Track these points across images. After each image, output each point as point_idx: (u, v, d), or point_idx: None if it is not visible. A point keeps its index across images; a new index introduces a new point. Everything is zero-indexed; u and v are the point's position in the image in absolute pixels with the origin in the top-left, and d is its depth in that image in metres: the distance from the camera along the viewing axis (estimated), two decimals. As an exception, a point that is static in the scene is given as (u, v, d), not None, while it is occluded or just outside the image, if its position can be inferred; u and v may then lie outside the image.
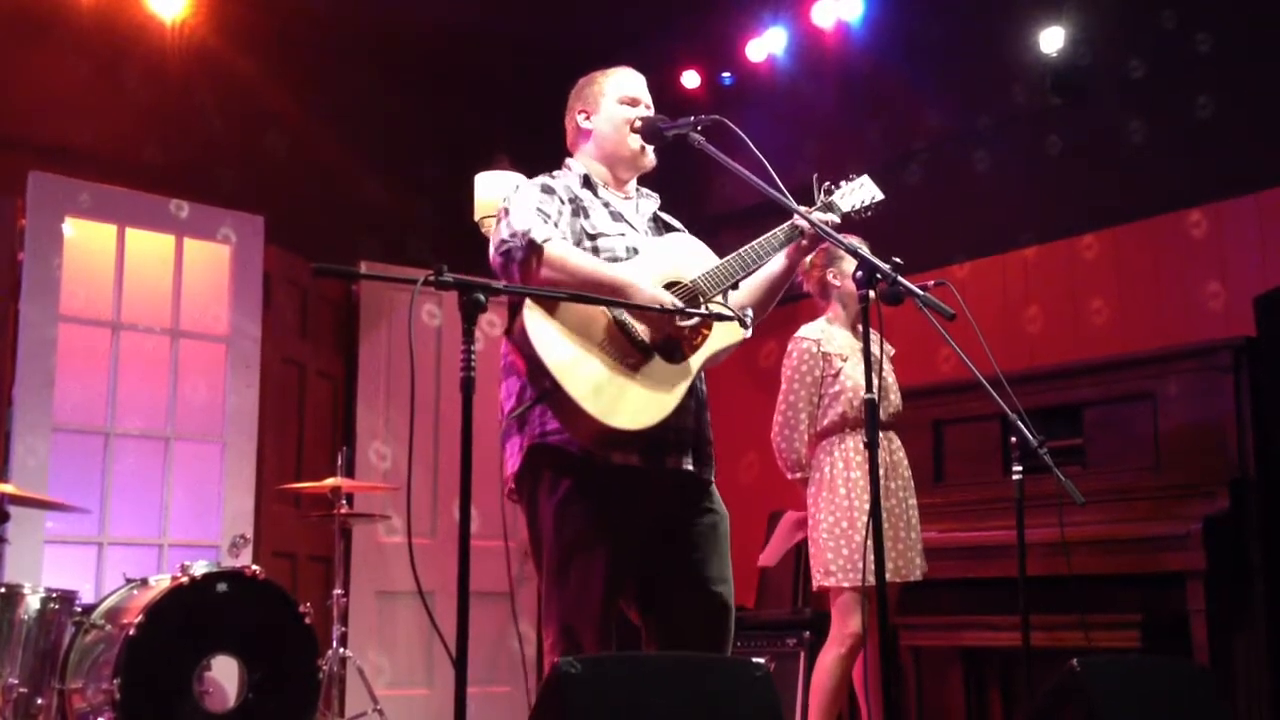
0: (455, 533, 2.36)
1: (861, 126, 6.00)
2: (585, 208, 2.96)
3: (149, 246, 5.58)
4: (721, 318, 2.80)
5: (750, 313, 2.89)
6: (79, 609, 4.21)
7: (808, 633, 5.03)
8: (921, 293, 2.76)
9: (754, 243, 2.96)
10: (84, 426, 5.32)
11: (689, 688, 2.33)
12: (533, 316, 2.71)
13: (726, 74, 6.48)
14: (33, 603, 4.05)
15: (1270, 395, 4.40)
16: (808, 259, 4.06)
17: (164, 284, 5.60)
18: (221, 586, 4.21)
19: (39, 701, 4.03)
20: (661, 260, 2.91)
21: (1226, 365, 4.47)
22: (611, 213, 3.00)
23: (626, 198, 3.10)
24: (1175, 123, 5.02)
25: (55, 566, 5.02)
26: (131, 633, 3.95)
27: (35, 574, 4.83)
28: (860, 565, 3.83)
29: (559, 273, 2.73)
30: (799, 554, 5.06)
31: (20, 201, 5.20)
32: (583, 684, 2.16)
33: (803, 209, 2.96)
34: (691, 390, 2.85)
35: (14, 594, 4.03)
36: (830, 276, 4.16)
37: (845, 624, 3.94)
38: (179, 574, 4.20)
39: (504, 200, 2.91)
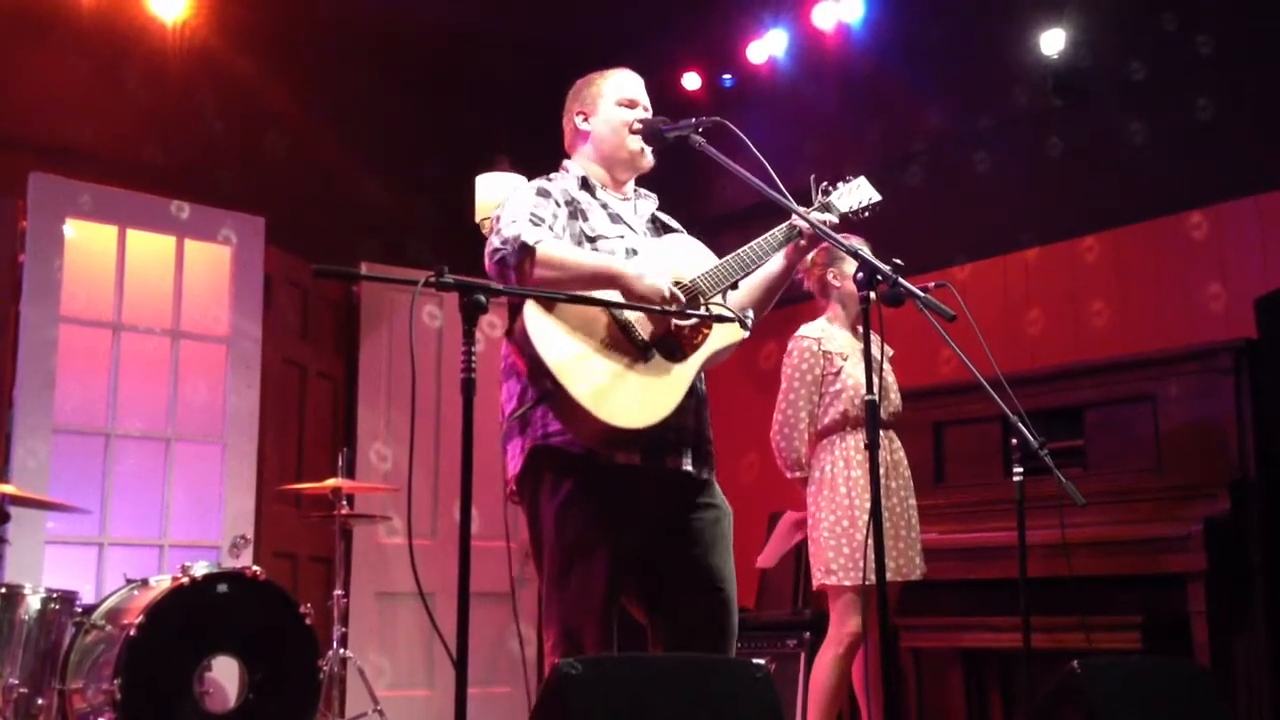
0: (456, 534, 2.36)
1: (862, 128, 6.00)
2: (583, 210, 2.96)
3: (150, 247, 5.58)
4: (722, 319, 2.81)
5: (750, 313, 2.89)
6: (79, 609, 4.21)
7: (808, 633, 5.02)
8: (922, 294, 2.76)
9: (752, 243, 2.96)
10: (85, 427, 5.32)
11: (689, 689, 2.33)
12: (533, 317, 2.71)
13: (727, 75, 6.49)
14: (33, 603, 4.05)
15: (1271, 397, 4.40)
16: (809, 257, 4.07)
17: (165, 285, 5.61)
18: (222, 587, 4.21)
19: (39, 702, 4.03)
20: (661, 261, 2.91)
21: (1227, 367, 4.48)
22: (610, 214, 3.00)
23: (625, 199, 3.10)
24: (1176, 124, 5.02)
25: (56, 567, 5.02)
26: (132, 633, 3.95)
27: (36, 574, 4.83)
28: (861, 564, 3.83)
29: (555, 271, 2.73)
30: (799, 555, 5.06)
31: (21, 203, 5.20)
32: (583, 685, 2.16)
33: (801, 209, 2.96)
34: (691, 389, 2.85)
35: (15, 594, 4.03)
36: (831, 277, 4.16)
37: (843, 624, 3.94)
38: (179, 574, 4.20)
39: (497, 208, 2.92)
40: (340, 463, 5.04)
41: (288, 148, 5.99)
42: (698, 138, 2.95)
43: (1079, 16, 5.25)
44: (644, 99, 3.11)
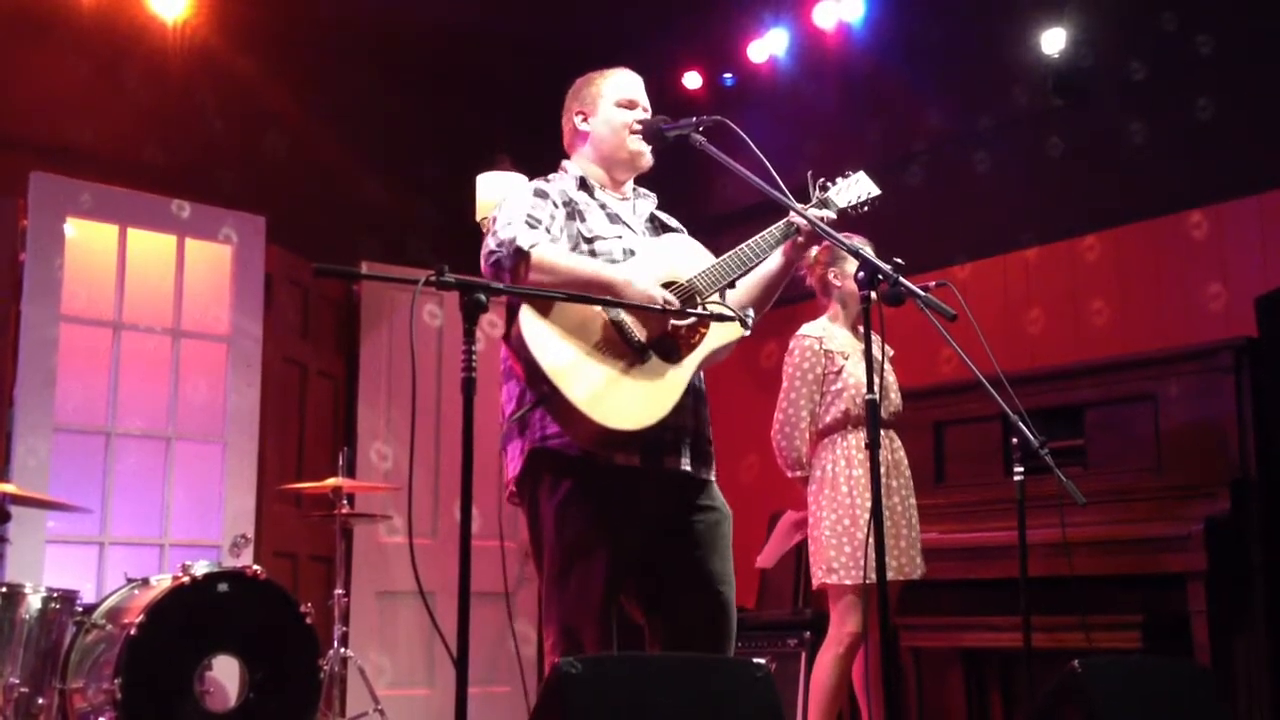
0: (456, 533, 2.36)
1: (863, 127, 6.00)
2: (581, 211, 2.96)
3: (150, 246, 5.58)
4: (723, 318, 2.81)
5: (750, 312, 2.89)
6: (80, 609, 4.21)
7: (808, 633, 5.02)
8: (923, 293, 2.76)
9: (749, 241, 2.96)
10: (85, 426, 5.32)
11: (690, 688, 2.33)
12: (528, 321, 2.72)
13: (728, 75, 6.49)
14: (34, 602, 4.05)
15: (1271, 396, 4.40)
16: (812, 255, 4.08)
17: (165, 284, 5.61)
18: (222, 586, 4.21)
19: (40, 701, 4.03)
20: (658, 261, 2.91)
21: (1227, 366, 4.47)
22: (608, 214, 3.00)
23: (624, 198, 3.10)
24: (1176, 124, 5.02)
25: (56, 566, 5.02)
26: (133, 632, 3.95)
27: (36, 574, 4.83)
28: (863, 563, 3.83)
29: (549, 276, 2.74)
30: (799, 554, 5.06)
31: (22, 202, 5.20)
32: (583, 684, 2.16)
33: (798, 206, 2.95)
34: (690, 389, 2.85)
35: (15, 594, 4.03)
36: (832, 276, 4.16)
37: (843, 623, 3.94)
38: (180, 574, 4.20)
39: (494, 210, 2.92)
40: (341, 462, 5.04)
41: (288, 147, 5.99)
42: (698, 137, 2.95)
43: (1079, 16, 5.25)
44: (643, 99, 3.11)
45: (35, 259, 5.17)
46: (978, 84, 5.68)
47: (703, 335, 2.85)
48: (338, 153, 6.15)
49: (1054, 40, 5.27)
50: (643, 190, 3.17)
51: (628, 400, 2.71)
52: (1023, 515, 3.50)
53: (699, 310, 2.81)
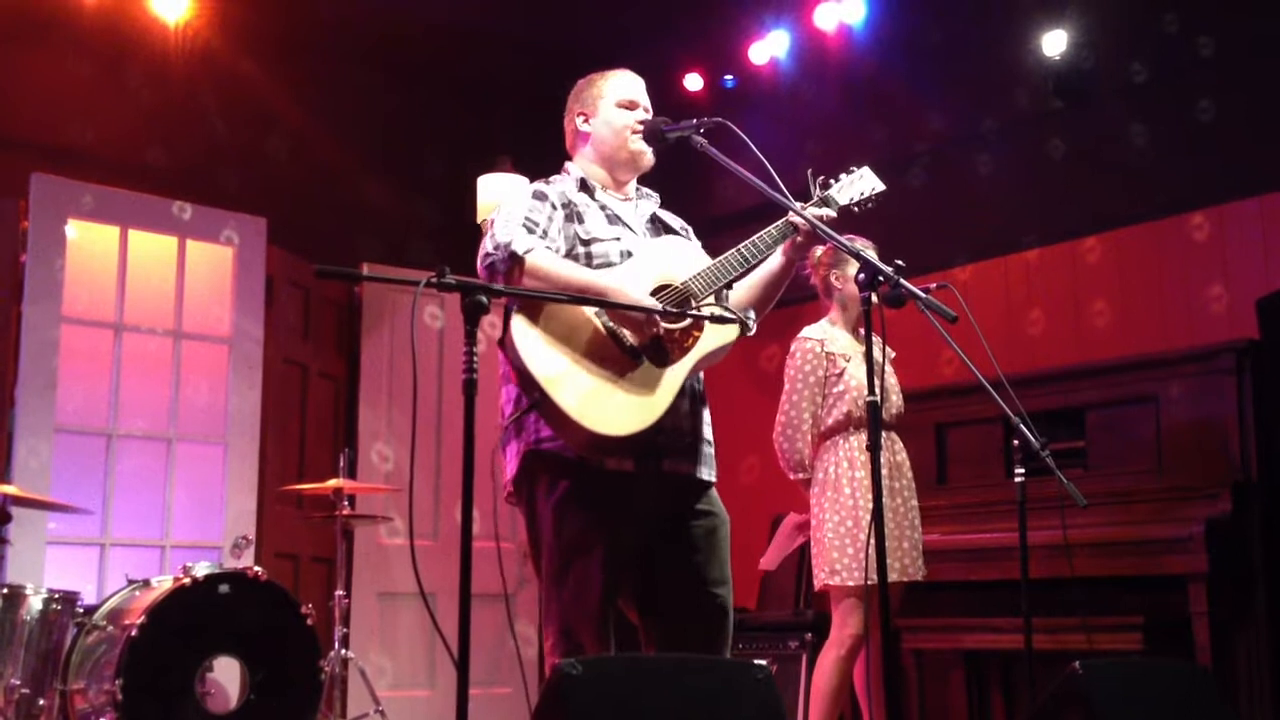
0: (457, 534, 2.36)
1: (864, 129, 6.00)
2: (580, 213, 2.96)
3: (152, 248, 5.58)
4: (723, 319, 2.80)
5: (752, 313, 2.89)
6: (81, 610, 4.21)
7: (809, 634, 5.02)
8: (924, 295, 2.75)
9: (746, 242, 2.94)
10: (86, 428, 5.32)
11: (691, 689, 2.33)
12: (519, 328, 2.73)
13: (729, 76, 6.49)
14: (35, 603, 4.05)
15: (1272, 398, 4.40)
16: (816, 255, 4.08)
17: (166, 285, 5.61)
18: (223, 587, 4.21)
19: (41, 702, 4.03)
20: (653, 263, 2.90)
21: (1229, 368, 4.48)
22: (608, 216, 3.00)
23: (626, 199, 3.10)
24: (1177, 126, 5.03)
25: (57, 567, 5.02)
26: (133, 633, 3.95)
27: (37, 575, 4.83)
28: (865, 564, 3.83)
29: (541, 282, 2.74)
30: (801, 556, 5.06)
31: (23, 203, 5.20)
32: (584, 685, 2.16)
33: (797, 205, 2.93)
34: (685, 392, 2.85)
35: (16, 595, 4.04)
36: (833, 278, 4.16)
37: (845, 625, 3.94)
38: (181, 575, 4.20)
39: (493, 214, 2.92)
40: (342, 463, 5.03)
41: (289, 148, 5.99)
42: (699, 138, 2.95)
43: (1081, 18, 5.25)
44: (644, 100, 3.11)
45: (36, 260, 5.17)
46: (979, 86, 5.69)
47: (696, 339, 2.85)
48: (339, 154, 6.15)
49: (1055, 42, 5.27)
50: (646, 190, 3.17)
51: (618, 406, 2.71)
52: (1024, 517, 3.50)
53: (695, 312, 2.80)
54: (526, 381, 2.71)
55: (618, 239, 2.95)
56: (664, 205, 3.18)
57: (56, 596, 4.11)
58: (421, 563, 2.48)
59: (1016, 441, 3.41)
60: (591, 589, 2.77)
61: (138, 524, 5.45)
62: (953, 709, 5.00)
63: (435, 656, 5.96)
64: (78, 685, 4.06)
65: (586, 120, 3.10)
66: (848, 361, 4.05)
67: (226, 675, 4.28)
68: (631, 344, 2.77)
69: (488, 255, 2.79)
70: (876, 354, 2.88)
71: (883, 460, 3.93)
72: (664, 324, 2.78)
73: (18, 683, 3.98)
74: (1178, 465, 4.52)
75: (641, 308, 2.72)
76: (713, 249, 3.03)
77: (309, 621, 4.34)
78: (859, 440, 3.99)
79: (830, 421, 4.05)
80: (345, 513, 5.01)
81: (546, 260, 2.78)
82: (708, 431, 2.99)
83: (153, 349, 5.55)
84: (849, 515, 3.93)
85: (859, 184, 3.11)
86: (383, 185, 6.28)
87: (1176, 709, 3.01)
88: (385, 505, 5.56)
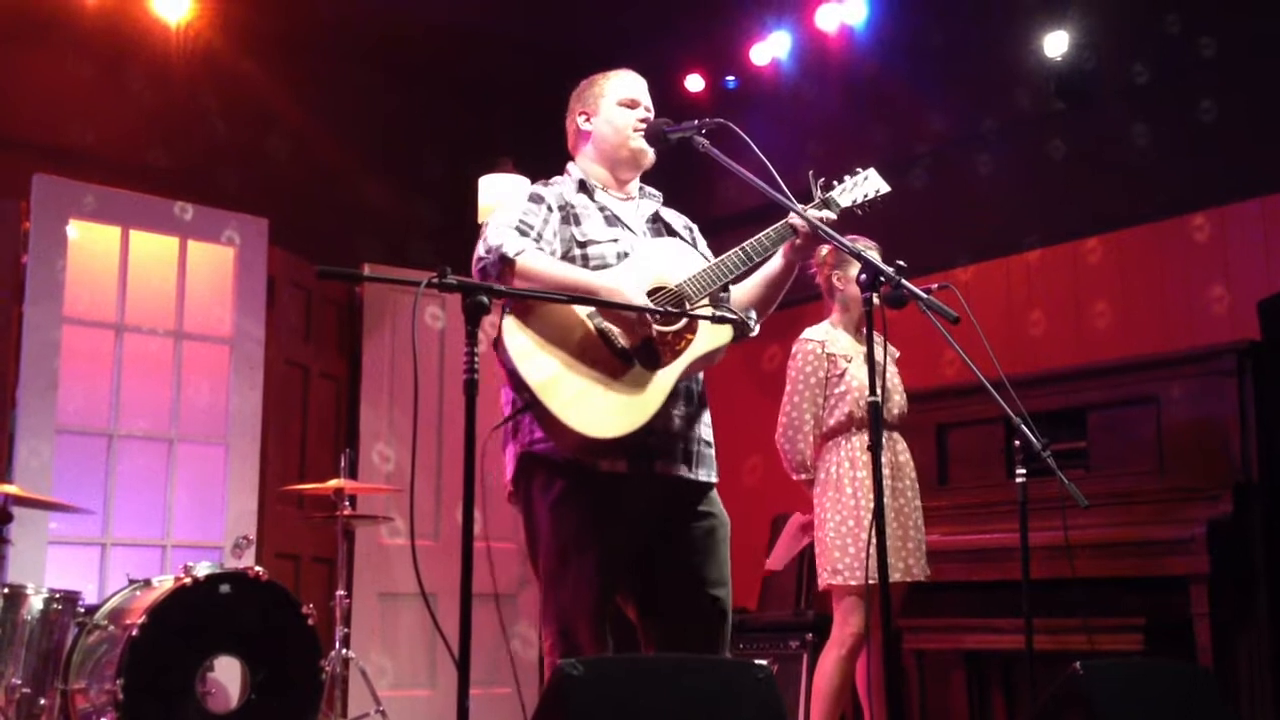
0: (458, 535, 2.36)
1: (865, 130, 6.00)
2: (577, 214, 2.96)
3: (153, 249, 5.58)
4: (725, 320, 2.80)
5: (754, 314, 2.88)
6: (82, 609, 4.21)
7: (810, 634, 5.02)
8: (925, 296, 2.75)
9: (744, 244, 2.93)
10: (88, 428, 5.33)
11: (692, 690, 2.33)
12: (510, 331, 2.73)
13: (730, 77, 6.49)
14: (36, 603, 4.05)
15: (1274, 399, 4.40)
16: (821, 255, 4.08)
17: (168, 286, 5.61)
18: (224, 587, 4.21)
19: (42, 702, 4.03)
20: (649, 265, 2.89)
21: (1230, 369, 4.47)
22: (607, 217, 2.99)
23: (627, 198, 3.09)
24: (1179, 127, 5.02)
25: (59, 567, 5.02)
26: (134, 633, 3.95)
27: (39, 575, 4.83)
28: (867, 564, 3.83)
29: (533, 284, 2.74)
30: (803, 556, 5.06)
31: (24, 204, 5.20)
32: (585, 685, 2.16)
33: (798, 206, 2.92)
34: (680, 393, 2.85)
35: (17, 594, 4.04)
36: (835, 279, 4.16)
37: (846, 625, 3.94)
38: (182, 575, 4.20)
39: (489, 217, 2.93)
40: (343, 463, 5.04)
41: (291, 149, 6.00)
42: (701, 139, 2.94)
43: (1082, 19, 5.25)
44: (645, 99, 3.10)
45: (38, 261, 5.18)
46: (980, 87, 5.69)
47: (689, 341, 2.84)
48: (340, 155, 6.15)
49: (1056, 43, 5.27)
50: (649, 190, 3.16)
51: (609, 408, 2.71)
52: (1025, 517, 3.50)
53: (693, 313, 2.80)
54: (518, 383, 2.72)
55: (615, 240, 2.94)
56: (666, 205, 3.17)
57: (58, 596, 4.11)
58: (422, 563, 2.48)
59: (1018, 442, 3.41)
60: (588, 589, 2.77)
61: (139, 524, 5.45)
62: (954, 709, 5.00)
63: (436, 656, 5.97)
64: (79, 685, 4.06)
65: (588, 119, 3.10)
66: (849, 362, 4.05)
67: (227, 675, 4.28)
68: (623, 346, 2.77)
69: (480, 259, 2.80)
70: (879, 354, 2.88)
71: (885, 460, 3.94)
72: (657, 326, 2.78)
73: (19, 682, 3.98)
74: (1179, 466, 4.52)
75: (634, 307, 2.72)
76: (714, 250, 3.03)
77: (310, 621, 4.34)
78: (861, 440, 3.99)
79: (832, 422, 4.05)
80: (346, 513, 5.01)
81: (537, 262, 2.78)
82: (707, 433, 2.98)
83: (154, 349, 5.55)
84: (850, 515, 3.93)
85: (864, 185, 3.10)
86: (384, 186, 6.28)
87: (1177, 710, 3.01)
88: (386, 505, 5.57)
